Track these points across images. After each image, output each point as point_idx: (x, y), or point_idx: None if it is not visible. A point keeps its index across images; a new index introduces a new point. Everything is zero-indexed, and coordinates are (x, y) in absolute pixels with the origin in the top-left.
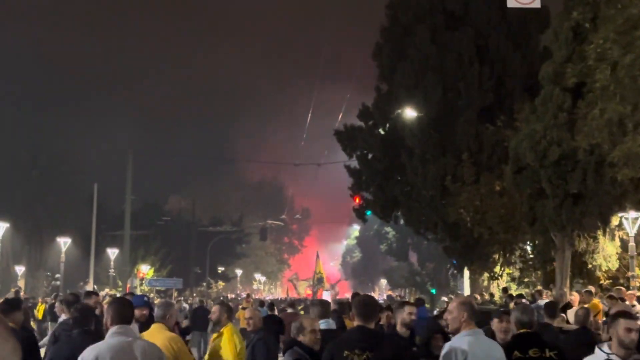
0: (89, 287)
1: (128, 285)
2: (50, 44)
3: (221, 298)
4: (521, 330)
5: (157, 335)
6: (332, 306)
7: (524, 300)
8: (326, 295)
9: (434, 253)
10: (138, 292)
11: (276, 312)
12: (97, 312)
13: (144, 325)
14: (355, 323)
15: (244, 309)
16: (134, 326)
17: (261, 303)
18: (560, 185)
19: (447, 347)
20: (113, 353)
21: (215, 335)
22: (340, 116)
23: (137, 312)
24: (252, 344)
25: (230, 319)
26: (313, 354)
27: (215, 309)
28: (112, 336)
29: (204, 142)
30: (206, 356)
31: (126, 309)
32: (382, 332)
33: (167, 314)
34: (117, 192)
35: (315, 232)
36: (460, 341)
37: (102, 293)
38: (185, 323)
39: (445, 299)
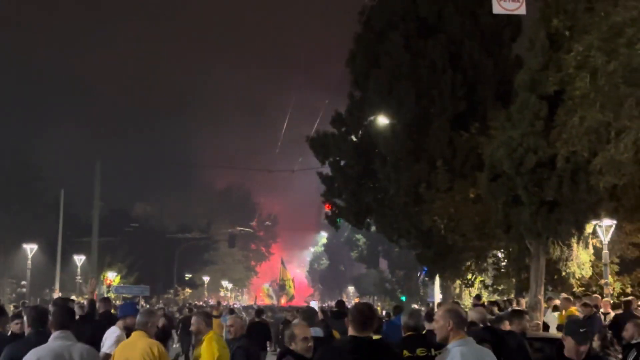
0: (56, 293)
1: (95, 293)
2: (11, 48)
3: (187, 305)
4: (409, 333)
5: (138, 341)
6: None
7: (495, 309)
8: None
9: (405, 260)
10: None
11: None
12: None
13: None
14: (350, 332)
15: (215, 317)
16: (115, 330)
17: (230, 311)
18: (536, 193)
19: None
20: (53, 356)
21: (198, 346)
22: (316, 123)
23: (129, 321)
24: (232, 352)
25: (210, 326)
26: None
27: (194, 320)
28: (54, 340)
29: (172, 148)
30: None
31: (66, 315)
32: (378, 342)
33: (149, 322)
34: (84, 199)
35: (282, 239)
36: (451, 355)
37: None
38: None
39: (416, 306)
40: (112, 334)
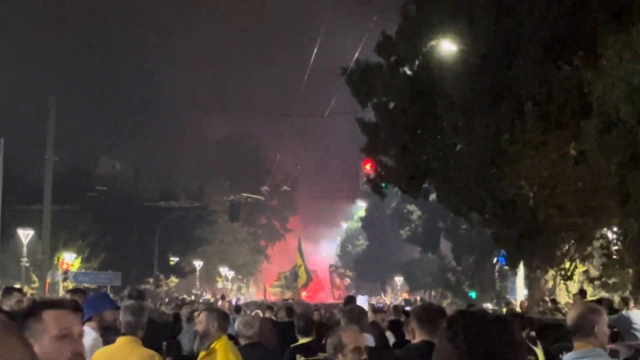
0: None
1: (47, 281)
2: None
3: (176, 298)
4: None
5: (129, 351)
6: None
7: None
8: (360, 302)
9: (477, 242)
10: (60, 290)
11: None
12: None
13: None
14: (418, 337)
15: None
16: (90, 332)
17: (237, 308)
18: None
19: None
20: None
21: (203, 353)
22: (357, 52)
23: (107, 317)
24: None
25: (223, 330)
26: None
27: (202, 318)
28: None
29: (151, 84)
30: None
31: None
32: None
33: (141, 322)
34: (31, 152)
35: (303, 210)
36: None
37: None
38: None
39: (490, 305)
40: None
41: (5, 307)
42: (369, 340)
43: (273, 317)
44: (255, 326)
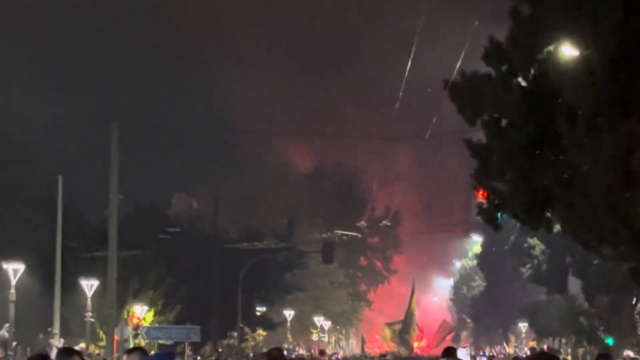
0: (56, 340)
1: (116, 338)
2: None
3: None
4: None
5: None
6: None
7: None
8: (462, 355)
9: (611, 279)
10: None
11: None
12: None
13: None
14: None
15: None
16: None
17: None
18: None
19: None
20: None
21: None
22: (460, 60)
23: None
24: None
25: None
26: None
27: None
28: None
29: (226, 109)
30: None
31: None
32: None
33: None
34: (93, 191)
35: (409, 249)
36: None
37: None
38: None
39: (631, 353)
40: None
41: None
42: None
43: None
44: None
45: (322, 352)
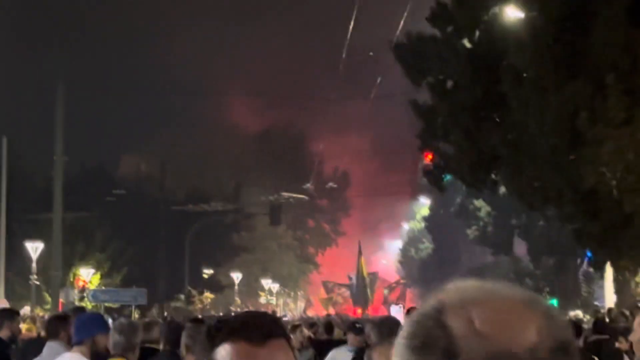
0: (1, 302)
1: (61, 301)
2: None
3: (211, 317)
4: None
5: None
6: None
7: None
8: (395, 312)
9: (556, 241)
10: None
11: None
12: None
13: None
14: None
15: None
16: None
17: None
18: None
19: None
20: None
21: None
22: (402, 19)
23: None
24: None
25: None
26: None
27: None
28: None
29: (175, 70)
30: None
31: None
32: None
33: (133, 343)
34: (38, 152)
35: (357, 212)
36: None
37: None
38: None
39: (579, 313)
40: None
41: (6, 332)
42: None
43: (311, 335)
44: None
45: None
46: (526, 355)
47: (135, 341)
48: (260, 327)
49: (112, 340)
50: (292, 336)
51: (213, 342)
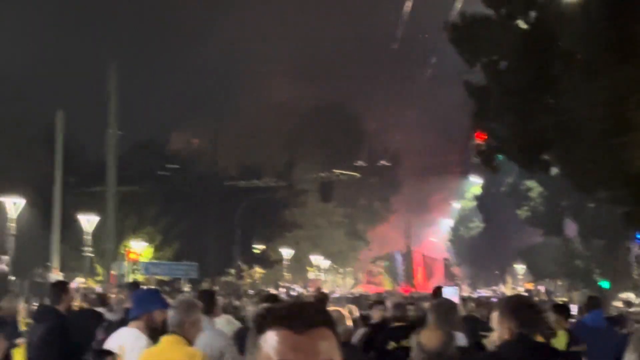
0: (55, 274)
1: (112, 273)
2: None
3: (260, 291)
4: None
5: (169, 351)
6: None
7: None
8: (449, 294)
9: (607, 223)
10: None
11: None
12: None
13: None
14: (507, 333)
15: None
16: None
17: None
18: None
19: None
20: None
21: None
22: (456, 2)
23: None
24: None
25: None
26: None
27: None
28: None
29: (228, 47)
30: None
31: None
32: (555, 349)
33: (188, 321)
34: (93, 127)
35: (407, 190)
36: None
37: (74, 283)
38: None
39: (626, 295)
40: (133, 340)
41: (62, 305)
42: (460, 339)
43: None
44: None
45: (318, 290)
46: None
47: (189, 319)
48: (304, 316)
49: (170, 317)
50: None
51: (259, 329)
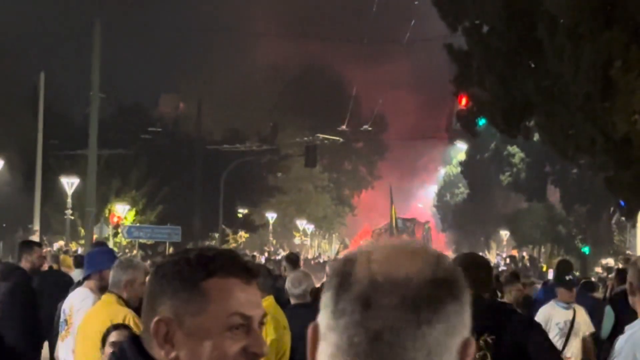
0: (36, 237)
1: (95, 236)
2: None
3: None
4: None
5: (100, 310)
6: None
7: None
8: None
9: (589, 189)
10: (112, 247)
11: None
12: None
13: None
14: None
15: None
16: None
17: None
18: None
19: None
20: None
21: None
22: None
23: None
24: None
25: (267, 290)
26: None
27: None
28: None
29: (214, 10)
30: None
31: None
32: (506, 306)
33: (125, 280)
34: (76, 89)
35: (393, 154)
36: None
37: (55, 245)
38: None
39: (607, 261)
40: (81, 300)
41: (26, 264)
42: None
43: None
44: (305, 284)
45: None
46: (403, 281)
47: (127, 277)
48: (247, 266)
49: (110, 276)
50: None
51: (208, 273)
